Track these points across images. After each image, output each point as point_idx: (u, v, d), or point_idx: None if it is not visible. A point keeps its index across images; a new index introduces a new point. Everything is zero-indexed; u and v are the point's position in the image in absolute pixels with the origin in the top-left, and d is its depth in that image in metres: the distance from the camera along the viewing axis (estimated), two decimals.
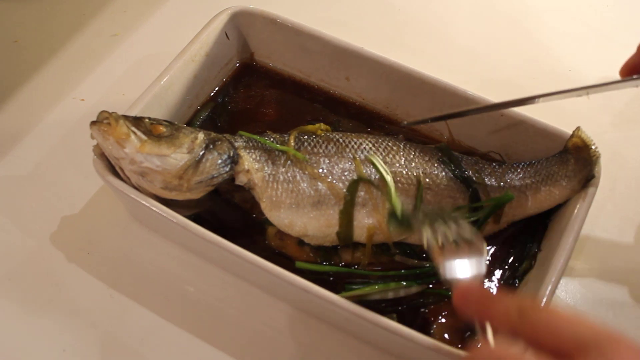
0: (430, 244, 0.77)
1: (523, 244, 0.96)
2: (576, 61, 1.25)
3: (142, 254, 0.97)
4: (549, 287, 0.82)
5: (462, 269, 0.73)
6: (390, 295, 0.89)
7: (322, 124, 0.99)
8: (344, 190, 0.91)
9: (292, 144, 0.93)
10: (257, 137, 0.94)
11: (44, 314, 0.91)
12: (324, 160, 0.93)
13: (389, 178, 0.91)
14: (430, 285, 0.90)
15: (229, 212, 0.95)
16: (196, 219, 0.87)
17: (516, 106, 0.94)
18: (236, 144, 0.92)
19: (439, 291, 0.90)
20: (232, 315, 0.92)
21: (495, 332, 0.64)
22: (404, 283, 0.89)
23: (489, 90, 1.02)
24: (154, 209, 0.86)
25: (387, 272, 0.90)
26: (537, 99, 0.91)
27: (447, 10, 1.35)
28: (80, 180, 1.01)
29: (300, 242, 0.92)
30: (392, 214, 0.89)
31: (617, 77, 1.24)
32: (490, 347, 0.62)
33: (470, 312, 0.66)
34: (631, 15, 1.35)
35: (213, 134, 0.92)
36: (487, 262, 0.75)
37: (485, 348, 0.61)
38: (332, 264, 0.92)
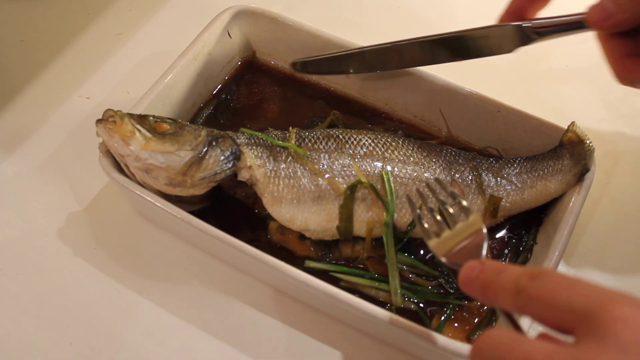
0: (425, 232, 0.77)
1: (519, 237, 0.98)
2: (574, 58, 1.27)
3: (147, 248, 0.98)
4: None
5: (461, 252, 0.73)
6: (382, 295, 0.91)
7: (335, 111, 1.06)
8: (344, 185, 0.92)
9: (293, 140, 0.95)
10: (259, 134, 0.96)
11: (51, 307, 0.93)
12: (324, 156, 0.94)
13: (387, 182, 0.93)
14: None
15: (232, 208, 0.97)
16: (199, 214, 0.88)
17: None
18: (238, 141, 0.94)
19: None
20: (235, 308, 0.93)
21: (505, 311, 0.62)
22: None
23: (487, 87, 1.04)
24: (158, 204, 0.88)
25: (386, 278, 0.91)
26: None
27: (446, 7, 1.36)
28: (87, 177, 1.03)
29: (301, 237, 0.94)
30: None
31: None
32: (492, 335, 0.56)
33: (475, 295, 0.63)
34: None
35: (216, 131, 0.94)
36: (487, 242, 0.73)
37: (488, 336, 0.55)
38: (334, 259, 0.94)
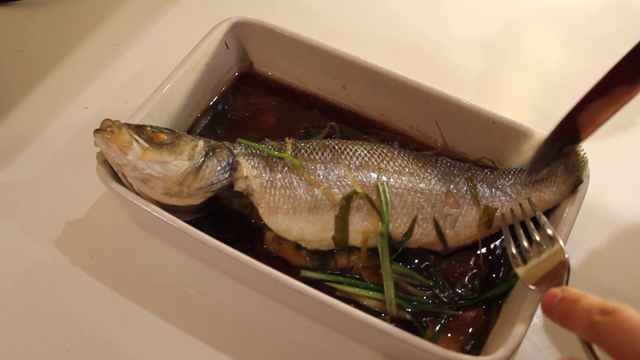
0: (514, 260, 0.84)
1: None
2: (568, 68, 1.28)
3: (143, 257, 0.99)
4: None
5: (545, 279, 0.78)
6: (377, 305, 0.92)
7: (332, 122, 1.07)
8: (340, 195, 0.93)
9: (290, 151, 0.96)
10: (256, 145, 0.96)
11: (48, 316, 0.93)
12: (320, 167, 0.95)
13: (383, 192, 0.94)
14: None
15: (228, 218, 0.97)
16: (196, 224, 0.89)
17: None
18: (235, 151, 0.94)
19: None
20: (231, 317, 0.94)
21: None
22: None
23: (482, 98, 1.05)
24: (155, 214, 0.88)
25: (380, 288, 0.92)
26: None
27: (442, 19, 1.37)
28: (84, 186, 1.03)
29: (297, 247, 0.94)
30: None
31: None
32: None
33: (555, 321, 0.68)
34: (620, 22, 1.37)
35: (213, 142, 0.94)
36: (568, 266, 0.78)
37: None
38: (330, 268, 0.94)
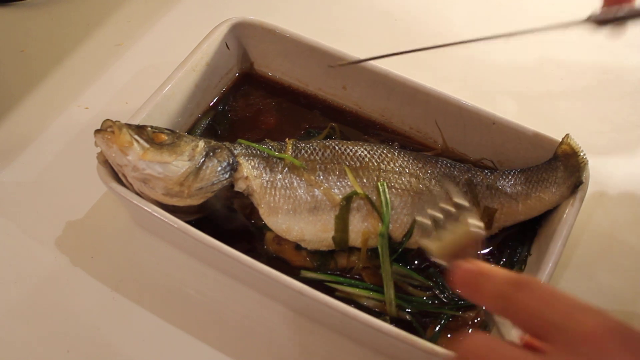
0: (423, 232, 0.77)
1: (514, 248, 0.98)
2: (569, 71, 1.28)
3: (144, 257, 0.99)
4: None
5: (457, 253, 0.72)
6: (377, 305, 0.92)
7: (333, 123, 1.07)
8: (340, 196, 0.93)
9: (290, 151, 0.96)
10: (256, 145, 0.97)
11: (48, 316, 0.93)
12: (320, 167, 0.95)
13: (383, 191, 0.94)
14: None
15: (229, 218, 0.97)
16: (196, 224, 0.89)
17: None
18: (235, 152, 0.94)
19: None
20: (231, 318, 0.94)
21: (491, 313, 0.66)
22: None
23: (483, 99, 1.04)
24: (155, 214, 0.88)
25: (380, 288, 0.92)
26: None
27: (443, 21, 1.37)
28: (85, 187, 1.03)
29: (297, 247, 0.94)
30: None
31: (610, 93, 1.26)
32: (476, 338, 0.59)
33: (464, 294, 0.66)
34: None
35: (213, 142, 0.95)
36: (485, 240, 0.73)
37: (472, 339, 0.59)
38: (330, 269, 0.95)
